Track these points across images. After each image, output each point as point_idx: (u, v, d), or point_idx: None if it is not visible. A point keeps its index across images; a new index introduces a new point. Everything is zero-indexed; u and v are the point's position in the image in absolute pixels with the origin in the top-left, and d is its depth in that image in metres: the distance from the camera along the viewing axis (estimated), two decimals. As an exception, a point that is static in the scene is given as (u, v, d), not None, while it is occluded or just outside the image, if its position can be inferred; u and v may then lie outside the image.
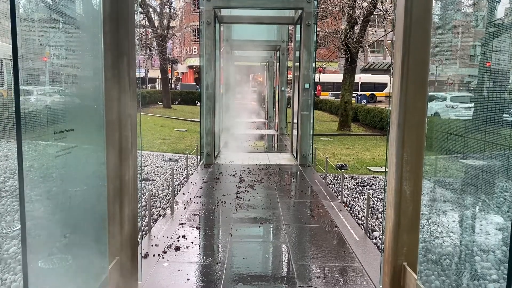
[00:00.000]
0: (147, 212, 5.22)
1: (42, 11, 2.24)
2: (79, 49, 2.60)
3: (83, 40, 2.66)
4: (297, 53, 10.44)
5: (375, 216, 6.28)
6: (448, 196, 3.71)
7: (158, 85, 42.84)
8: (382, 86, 38.01)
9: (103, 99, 2.83)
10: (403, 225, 3.19)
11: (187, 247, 4.58)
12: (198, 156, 9.79)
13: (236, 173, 8.56)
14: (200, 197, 6.72)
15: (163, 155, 11.48)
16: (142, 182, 8.17)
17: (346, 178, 8.70)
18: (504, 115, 2.78)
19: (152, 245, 4.57)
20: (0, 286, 3.72)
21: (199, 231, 5.16)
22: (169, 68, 36.07)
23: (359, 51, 19.77)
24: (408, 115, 3.12)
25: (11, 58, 1.82)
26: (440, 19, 3.46)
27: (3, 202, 6.20)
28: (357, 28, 18.29)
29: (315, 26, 9.65)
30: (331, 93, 37.78)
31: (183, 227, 5.23)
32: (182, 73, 49.51)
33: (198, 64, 10.13)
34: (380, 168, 9.92)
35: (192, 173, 8.64)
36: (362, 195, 7.40)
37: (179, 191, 7.17)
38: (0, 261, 4.22)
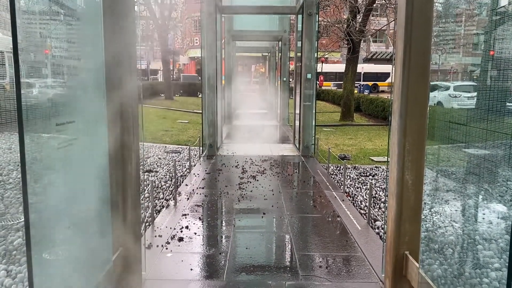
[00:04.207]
0: (150, 203, 5.24)
1: (43, 3, 2.23)
2: (80, 40, 2.59)
3: (84, 32, 2.65)
4: (299, 43, 10.38)
5: (378, 206, 6.29)
6: (451, 186, 3.71)
7: (160, 77, 42.78)
8: (385, 75, 37.81)
9: (104, 90, 2.83)
10: (405, 215, 3.19)
11: (190, 237, 4.61)
12: (201, 148, 9.81)
13: (238, 164, 8.57)
14: (203, 188, 6.74)
15: (165, 146, 11.51)
16: (145, 173, 8.20)
17: (349, 168, 8.70)
18: (508, 104, 2.76)
19: (155, 236, 4.60)
20: (6, 278, 3.77)
21: (202, 222, 5.19)
22: (171, 60, 35.97)
23: (362, 41, 19.65)
24: (410, 105, 3.11)
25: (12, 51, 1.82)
26: (442, 7, 3.43)
27: (7, 195, 6.24)
28: (359, 18, 18.17)
29: (317, 15, 9.58)
30: (334, 83, 37.62)
31: (186, 218, 5.26)
32: (184, 64, 49.39)
33: (200, 55, 10.10)
34: (383, 158, 9.91)
35: (195, 165, 8.67)
36: (365, 185, 7.41)
37: (182, 182, 7.20)
38: (6, 253, 4.26)
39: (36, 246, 1.93)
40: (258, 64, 37.89)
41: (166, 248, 4.30)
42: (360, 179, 7.91)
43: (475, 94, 3.40)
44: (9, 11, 1.78)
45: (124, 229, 3.11)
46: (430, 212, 3.62)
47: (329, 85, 37.32)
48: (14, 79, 1.82)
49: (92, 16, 2.72)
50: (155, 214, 5.32)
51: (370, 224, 5.15)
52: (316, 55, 9.68)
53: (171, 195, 6.15)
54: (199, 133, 10.74)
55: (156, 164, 9.17)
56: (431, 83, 3.15)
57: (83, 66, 2.59)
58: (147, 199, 5.75)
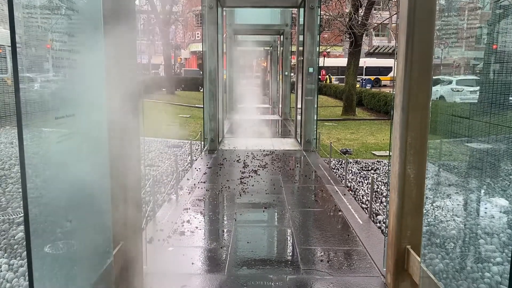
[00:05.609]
0: (151, 197, 5.25)
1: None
2: (80, 33, 2.57)
3: (83, 25, 2.63)
4: (301, 37, 10.33)
5: (379, 200, 6.29)
6: (453, 180, 3.70)
7: (161, 71, 42.72)
8: (387, 70, 37.63)
9: (104, 84, 2.81)
10: (407, 209, 3.18)
11: (192, 231, 4.61)
12: (202, 142, 9.80)
13: (240, 159, 8.57)
14: (204, 182, 6.74)
15: (167, 141, 11.50)
16: (147, 168, 8.20)
17: (350, 162, 8.69)
18: (510, 98, 2.74)
19: (157, 230, 4.61)
20: (7, 271, 3.78)
21: (204, 216, 5.19)
22: (172, 54, 35.89)
23: (364, 35, 19.55)
24: (413, 98, 3.09)
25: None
26: (445, 0, 3.40)
27: (9, 189, 6.25)
28: (361, 11, 18.07)
29: (319, 9, 9.53)
30: (336, 78, 37.51)
31: (187, 212, 5.26)
32: (185, 58, 49.27)
33: (201, 49, 10.06)
34: (385, 152, 9.89)
35: (196, 159, 8.66)
36: (366, 180, 7.40)
37: (183, 176, 7.20)
38: (7, 247, 4.27)
39: (36, 240, 1.92)
40: (260, 58, 37.77)
41: (168, 242, 4.30)
42: (361, 173, 7.90)
43: (477, 88, 3.37)
44: (7, 4, 1.76)
45: (125, 223, 3.11)
46: (432, 206, 3.61)
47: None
48: (13, 73, 1.81)
49: (91, 8, 2.70)
50: (156, 208, 5.32)
51: (372, 218, 5.14)
52: (318, 49, 9.63)
53: (173, 190, 6.15)
54: (201, 127, 10.72)
55: (158, 158, 9.17)
56: (433, 77, 3.13)
57: (83, 59, 2.57)
58: (149, 193, 5.75)
